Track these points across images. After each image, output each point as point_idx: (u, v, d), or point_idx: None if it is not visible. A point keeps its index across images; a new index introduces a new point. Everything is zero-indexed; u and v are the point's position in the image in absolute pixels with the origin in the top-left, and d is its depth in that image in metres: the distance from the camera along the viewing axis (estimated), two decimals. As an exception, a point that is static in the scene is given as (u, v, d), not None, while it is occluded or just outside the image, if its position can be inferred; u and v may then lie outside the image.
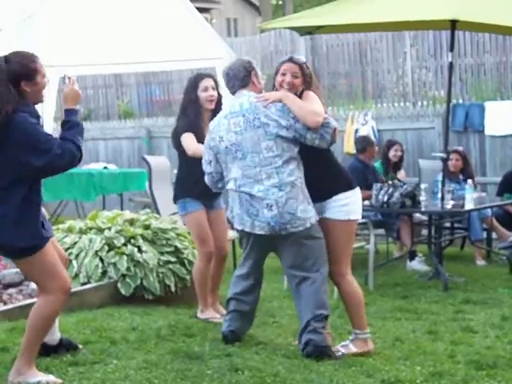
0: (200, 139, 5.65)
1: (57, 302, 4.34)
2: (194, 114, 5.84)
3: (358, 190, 5.06)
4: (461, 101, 11.40)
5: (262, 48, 14.27)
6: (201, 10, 20.31)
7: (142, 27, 8.84)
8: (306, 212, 4.86)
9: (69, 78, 4.35)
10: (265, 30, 13.65)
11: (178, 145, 5.90)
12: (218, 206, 6.05)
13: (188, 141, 5.76)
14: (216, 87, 5.91)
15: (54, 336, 4.81)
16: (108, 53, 8.83)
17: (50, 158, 4.09)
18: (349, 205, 4.96)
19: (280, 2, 31.68)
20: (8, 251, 4.37)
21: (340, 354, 5.00)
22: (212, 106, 5.87)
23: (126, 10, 8.83)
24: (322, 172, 4.98)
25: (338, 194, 4.96)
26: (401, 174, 9.50)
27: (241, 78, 5.08)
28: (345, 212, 4.96)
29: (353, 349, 5.04)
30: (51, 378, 4.38)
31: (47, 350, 4.72)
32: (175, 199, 5.99)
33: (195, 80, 5.91)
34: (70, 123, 4.22)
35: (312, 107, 4.85)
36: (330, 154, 5.07)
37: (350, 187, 5.00)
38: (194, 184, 5.76)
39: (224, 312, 5.85)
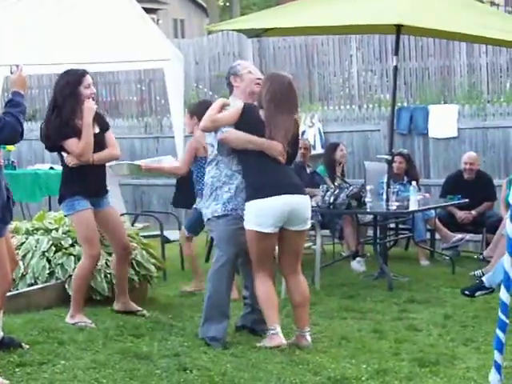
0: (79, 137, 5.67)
1: None
2: (75, 111, 5.67)
3: (254, 202, 5.16)
4: (405, 104, 11.58)
5: (210, 49, 14.29)
6: (147, 10, 20.23)
7: (89, 27, 8.77)
8: (208, 208, 5.40)
9: (16, 65, 4.70)
10: (213, 32, 13.69)
11: (57, 146, 5.77)
12: (106, 204, 5.93)
13: (74, 147, 5.68)
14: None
15: None
16: (54, 53, 8.74)
17: None
18: (245, 215, 5.24)
19: (227, 4, 31.75)
20: None
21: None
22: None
23: (73, 10, 8.76)
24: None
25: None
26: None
27: (228, 86, 5.56)
28: (245, 220, 5.26)
29: (265, 344, 5.20)
30: None
31: None
32: (61, 199, 5.81)
33: (78, 76, 5.71)
34: (14, 101, 4.52)
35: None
36: (248, 162, 5.26)
37: (247, 199, 5.23)
38: (81, 182, 5.74)
39: (138, 308, 6.00)
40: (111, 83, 14.77)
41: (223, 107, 5.35)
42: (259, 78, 5.44)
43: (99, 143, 5.77)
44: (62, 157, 5.82)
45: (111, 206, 5.99)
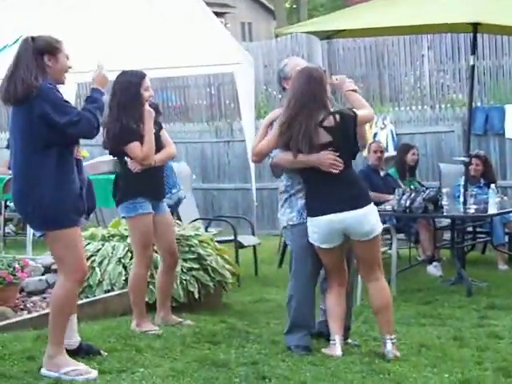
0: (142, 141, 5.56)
1: (70, 284, 4.54)
2: (136, 114, 5.54)
3: (309, 219, 5.08)
4: (479, 104, 11.33)
5: (279, 52, 14.22)
6: (215, 14, 20.10)
7: (159, 32, 8.81)
8: (283, 215, 5.25)
9: (98, 65, 4.75)
10: (283, 35, 13.62)
11: (119, 150, 5.61)
12: (163, 208, 5.76)
13: (138, 151, 5.54)
14: None
15: (73, 339, 4.82)
16: (124, 58, 8.76)
17: (69, 120, 4.42)
18: None
19: (294, 6, 31.68)
20: (31, 217, 4.59)
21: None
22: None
23: (144, 15, 8.81)
24: None
25: None
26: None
27: (283, 90, 5.41)
28: None
29: (325, 351, 5.16)
30: (82, 366, 4.55)
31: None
32: (122, 199, 5.58)
33: (138, 78, 5.56)
34: (93, 98, 4.64)
35: None
36: (304, 176, 5.13)
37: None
38: (144, 184, 5.56)
39: (179, 320, 5.82)
40: (181, 87, 14.84)
41: (271, 124, 5.22)
42: None
43: (157, 143, 5.68)
44: (121, 160, 5.67)
45: (168, 210, 5.86)
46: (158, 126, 5.80)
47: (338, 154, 5.01)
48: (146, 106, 5.61)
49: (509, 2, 7.67)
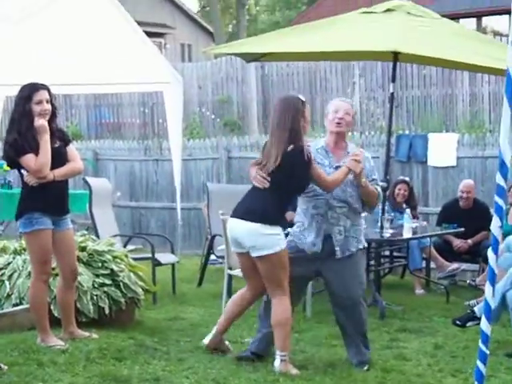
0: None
1: None
2: (29, 127, 5.44)
3: None
4: (407, 132, 11.56)
5: (213, 74, 14.35)
6: (155, 34, 20.22)
7: (91, 49, 8.82)
8: None
9: None
10: (216, 56, 13.74)
11: (15, 163, 5.52)
12: (65, 225, 5.65)
13: (32, 163, 5.43)
14: (50, 100, 5.55)
15: None
16: (57, 73, 8.73)
17: None
18: None
19: (236, 30, 31.87)
20: None
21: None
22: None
23: (76, 32, 8.81)
24: None
25: None
26: None
27: None
28: None
29: None
30: None
31: None
32: (20, 214, 5.50)
33: (29, 91, 5.46)
34: None
35: None
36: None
37: None
38: (42, 199, 5.46)
39: (86, 334, 5.78)
40: (114, 105, 14.85)
41: None
42: None
43: (60, 158, 5.56)
44: (21, 174, 5.57)
45: (70, 227, 5.75)
46: (64, 142, 5.69)
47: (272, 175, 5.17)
48: (36, 122, 5.44)
49: (431, 33, 7.86)
